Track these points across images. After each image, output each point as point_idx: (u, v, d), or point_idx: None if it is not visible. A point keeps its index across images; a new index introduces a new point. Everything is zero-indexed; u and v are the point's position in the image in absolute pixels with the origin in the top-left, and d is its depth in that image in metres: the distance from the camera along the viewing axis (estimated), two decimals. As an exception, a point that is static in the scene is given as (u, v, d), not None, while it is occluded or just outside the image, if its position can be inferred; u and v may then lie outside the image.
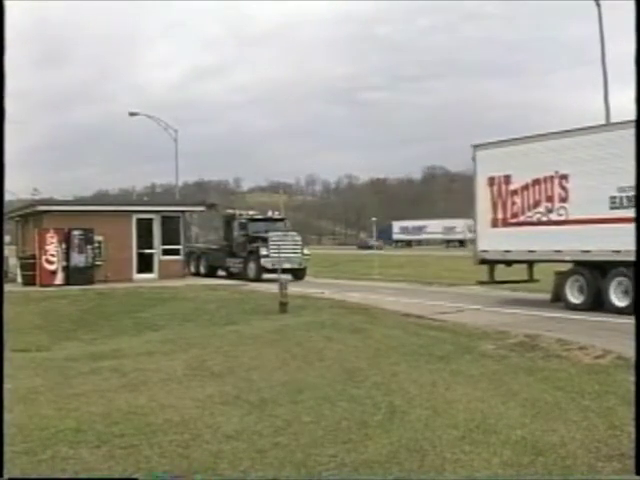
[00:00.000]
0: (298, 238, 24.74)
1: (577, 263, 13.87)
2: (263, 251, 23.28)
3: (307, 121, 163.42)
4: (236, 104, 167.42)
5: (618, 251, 11.97)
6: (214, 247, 28.01)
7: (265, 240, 23.64)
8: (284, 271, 22.65)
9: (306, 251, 24.75)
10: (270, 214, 26.86)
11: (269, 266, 22.50)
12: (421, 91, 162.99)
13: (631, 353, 6.07)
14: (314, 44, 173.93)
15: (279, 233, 24.13)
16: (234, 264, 25.27)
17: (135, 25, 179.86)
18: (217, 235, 28.86)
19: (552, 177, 14.03)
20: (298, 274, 23.89)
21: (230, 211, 27.80)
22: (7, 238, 28.85)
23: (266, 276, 22.96)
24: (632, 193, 11.39)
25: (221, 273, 26.69)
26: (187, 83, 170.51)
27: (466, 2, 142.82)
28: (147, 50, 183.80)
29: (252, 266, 24.05)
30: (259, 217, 26.52)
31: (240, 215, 26.50)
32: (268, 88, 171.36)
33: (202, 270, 27.09)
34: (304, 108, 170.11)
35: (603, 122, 18.14)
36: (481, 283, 16.93)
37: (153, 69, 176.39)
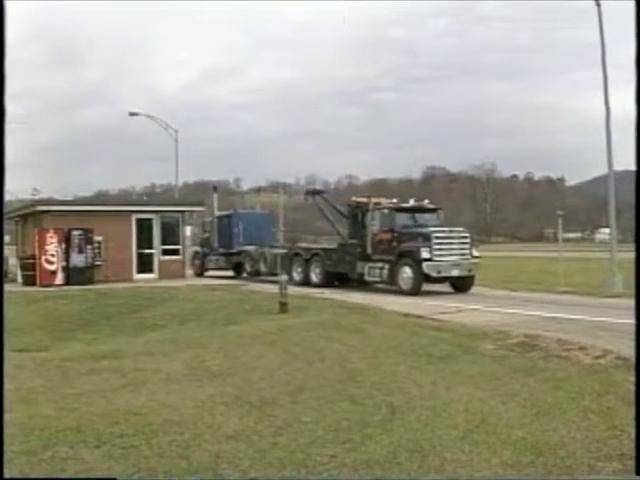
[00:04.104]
0: (466, 235, 18.76)
1: None
2: (424, 253, 17.33)
3: (316, 122, 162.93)
4: (247, 105, 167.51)
5: None
6: (332, 247, 21.41)
7: (427, 238, 17.72)
8: (445, 280, 18.04)
9: (475, 252, 18.61)
10: (412, 202, 19.77)
11: (434, 274, 17.42)
12: (429, 92, 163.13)
13: (631, 353, 6.08)
14: (328, 46, 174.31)
15: (444, 229, 18.55)
16: (371, 270, 18.98)
17: (148, 27, 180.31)
18: (335, 231, 21.90)
19: None
20: (464, 283, 18.19)
21: (360, 199, 20.86)
22: (7, 238, 28.89)
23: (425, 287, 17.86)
24: None
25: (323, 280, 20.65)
26: (198, 85, 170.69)
27: (477, 6, 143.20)
28: (159, 52, 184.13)
29: (408, 273, 17.70)
30: (408, 206, 19.57)
31: (377, 204, 19.68)
32: (280, 90, 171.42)
33: (314, 279, 20.86)
34: (314, 110, 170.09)
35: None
36: None
37: (164, 71, 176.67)
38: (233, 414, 5.62)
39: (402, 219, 18.84)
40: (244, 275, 25.15)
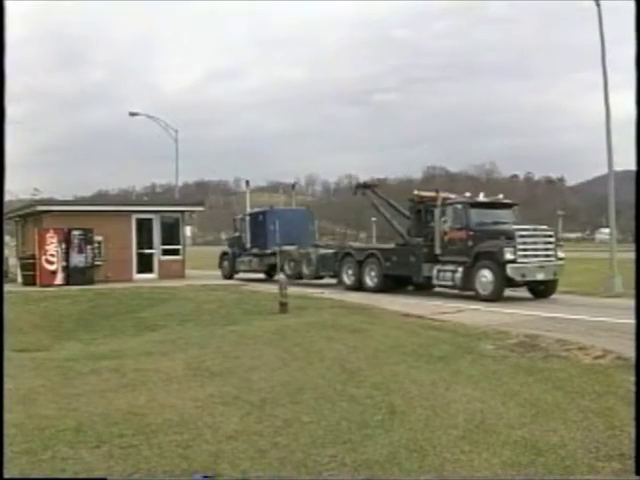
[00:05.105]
0: (551, 234, 16.78)
1: None
2: (508, 254, 15.32)
3: (317, 123, 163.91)
4: (248, 106, 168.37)
5: None
6: (390, 247, 19.55)
7: (510, 236, 15.69)
8: (527, 284, 16.29)
9: (561, 254, 16.46)
10: (482, 197, 17.47)
11: (518, 277, 15.47)
12: (431, 93, 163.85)
13: (631, 353, 6.07)
14: (331, 47, 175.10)
15: (527, 226, 16.65)
16: (441, 273, 16.95)
17: (151, 28, 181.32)
18: (393, 229, 20.04)
19: None
20: (546, 288, 16.32)
21: (425, 193, 18.98)
22: (7, 238, 28.90)
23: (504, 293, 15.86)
24: None
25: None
26: (201, 85, 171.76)
27: (479, 7, 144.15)
28: (161, 53, 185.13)
29: (487, 277, 15.60)
30: (484, 201, 17.34)
31: (446, 199, 17.86)
32: (281, 90, 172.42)
33: (368, 282, 18.87)
34: (316, 110, 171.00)
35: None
36: None
37: (167, 72, 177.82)
38: (233, 414, 5.62)
39: (477, 215, 16.66)
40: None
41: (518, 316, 12.56)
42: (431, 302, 15.46)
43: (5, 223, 25.43)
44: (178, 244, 24.35)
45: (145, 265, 23.42)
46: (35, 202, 25.73)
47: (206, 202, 38.57)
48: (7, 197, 25.63)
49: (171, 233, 24.21)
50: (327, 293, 17.42)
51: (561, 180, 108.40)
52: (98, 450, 4.66)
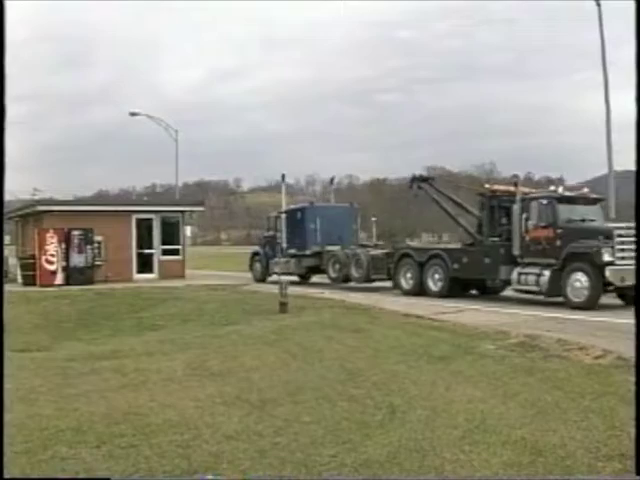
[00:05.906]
0: None
1: None
2: (606, 255, 13.47)
3: (319, 123, 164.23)
4: (250, 106, 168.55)
5: None
6: (458, 247, 18.03)
7: (608, 235, 13.84)
8: (620, 290, 13.96)
9: None
10: (561, 191, 15.50)
11: (618, 282, 13.45)
12: (432, 93, 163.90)
13: (631, 353, 6.07)
14: (333, 47, 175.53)
15: (624, 224, 14.09)
16: (522, 277, 15.04)
17: (154, 27, 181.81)
18: (460, 227, 18.47)
19: None
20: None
21: (500, 187, 17.35)
22: (7, 238, 28.89)
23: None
24: None
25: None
26: (203, 85, 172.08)
27: (480, 7, 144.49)
28: (164, 53, 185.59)
29: (582, 282, 13.71)
30: (572, 195, 15.58)
31: (527, 194, 15.92)
32: (283, 90, 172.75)
33: (432, 287, 17.04)
34: (317, 110, 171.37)
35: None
36: None
37: (170, 72, 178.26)
38: (233, 414, 5.62)
39: (565, 212, 14.84)
40: (328, 281, 20.77)
41: (518, 316, 12.56)
42: (431, 302, 15.45)
43: (5, 223, 25.43)
44: (178, 244, 24.38)
45: (145, 265, 23.46)
46: (35, 202, 25.76)
47: (206, 202, 38.52)
48: (7, 197, 25.56)
49: (171, 233, 24.24)
50: (327, 293, 17.41)
51: (561, 180, 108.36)
52: (98, 450, 4.65)
